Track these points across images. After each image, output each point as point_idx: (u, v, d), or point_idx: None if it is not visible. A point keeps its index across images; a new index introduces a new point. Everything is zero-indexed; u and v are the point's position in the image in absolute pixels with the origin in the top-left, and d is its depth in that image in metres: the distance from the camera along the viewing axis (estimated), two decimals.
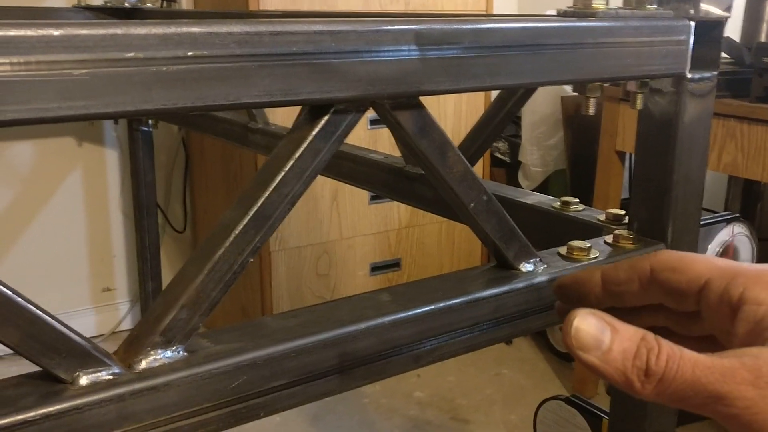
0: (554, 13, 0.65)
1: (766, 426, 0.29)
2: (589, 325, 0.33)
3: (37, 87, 0.38)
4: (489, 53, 0.53)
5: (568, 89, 2.07)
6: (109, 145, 2.04)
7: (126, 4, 1.80)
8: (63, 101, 0.38)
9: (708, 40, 0.66)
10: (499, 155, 2.33)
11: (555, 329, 2.02)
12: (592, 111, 0.65)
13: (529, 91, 0.84)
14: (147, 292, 1.97)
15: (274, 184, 0.49)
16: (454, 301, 0.57)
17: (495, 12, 2.29)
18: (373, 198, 2.07)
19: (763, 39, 1.66)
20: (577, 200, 0.82)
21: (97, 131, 2.01)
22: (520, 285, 0.60)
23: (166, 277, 2.08)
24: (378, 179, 1.07)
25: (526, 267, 0.63)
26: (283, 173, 0.49)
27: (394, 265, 2.16)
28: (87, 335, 0.45)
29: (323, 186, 1.98)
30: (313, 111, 0.50)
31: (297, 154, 0.49)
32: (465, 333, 0.58)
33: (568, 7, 0.62)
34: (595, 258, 0.66)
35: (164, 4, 1.94)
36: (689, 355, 0.31)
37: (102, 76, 0.39)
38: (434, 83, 0.51)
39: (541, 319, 0.63)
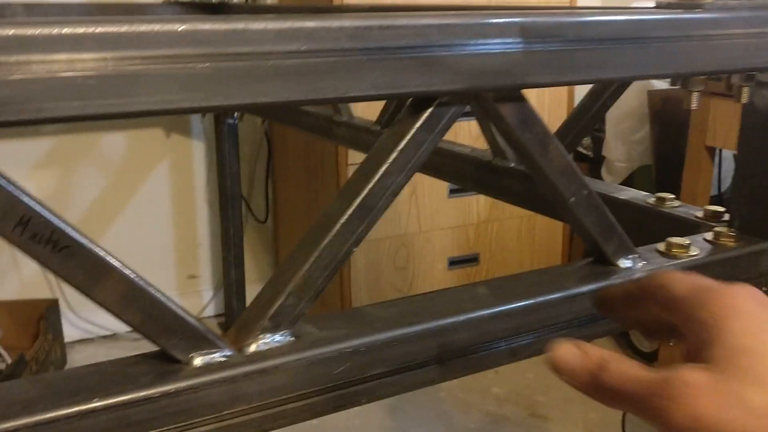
0: (653, 4, 0.64)
1: None
2: (564, 353, 0.38)
3: (163, 80, 0.39)
4: (593, 46, 0.53)
5: (655, 83, 2.02)
6: (196, 137, 2.09)
7: (213, 0, 1.84)
8: (186, 93, 0.40)
9: None
10: (582, 150, 2.29)
11: None
12: (694, 105, 0.64)
13: (624, 84, 0.83)
14: (230, 280, 2.02)
15: (377, 177, 0.50)
16: (552, 296, 0.57)
17: (579, 5, 2.25)
18: (452, 191, 2.07)
19: None
20: (673, 196, 0.81)
21: (184, 123, 2.07)
22: (619, 281, 0.60)
23: (248, 266, 2.13)
24: (464, 172, 1.07)
25: (625, 263, 0.62)
26: (386, 165, 0.50)
27: (472, 259, 2.16)
28: None
29: None
30: (416, 104, 0.51)
31: (400, 147, 0.50)
32: (562, 328, 0.58)
33: None
34: (695, 255, 0.65)
35: None
36: (633, 372, 0.35)
37: (222, 69, 0.41)
38: (537, 76, 0.51)
39: None
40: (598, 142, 2.22)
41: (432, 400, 1.87)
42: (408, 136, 0.50)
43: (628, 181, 2.13)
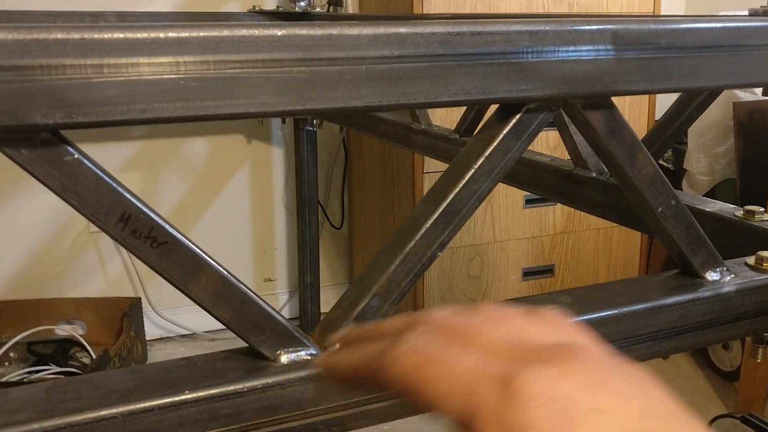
0: (742, 12, 0.62)
1: None
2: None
3: (261, 83, 0.41)
4: (686, 54, 0.52)
5: (741, 94, 1.96)
6: (275, 144, 2.13)
7: (296, 9, 1.88)
8: (282, 96, 0.41)
9: None
10: (662, 162, 2.24)
11: (717, 346, 1.92)
12: None
13: (713, 93, 0.81)
14: (305, 284, 2.05)
15: (463, 181, 0.50)
16: (637, 307, 0.56)
17: (662, 13, 2.20)
18: (528, 202, 2.05)
19: None
20: (762, 209, 0.78)
21: (265, 130, 2.11)
22: (707, 294, 0.58)
23: (323, 271, 2.15)
24: (544, 182, 1.06)
25: (712, 276, 0.60)
26: (473, 170, 0.50)
27: (547, 271, 2.13)
28: None
29: None
30: (504, 110, 0.51)
31: (487, 153, 0.50)
32: (646, 339, 0.57)
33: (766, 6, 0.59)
34: None
35: (330, 8, 2.01)
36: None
37: (317, 73, 0.42)
38: (629, 83, 0.51)
39: (726, 330, 0.60)
40: (679, 155, 2.16)
41: None
42: (495, 142, 0.50)
43: (710, 195, 2.07)
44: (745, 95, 1.96)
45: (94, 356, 1.76)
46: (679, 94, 0.86)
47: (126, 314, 1.88)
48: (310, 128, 1.94)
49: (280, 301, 2.23)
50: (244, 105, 0.40)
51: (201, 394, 0.43)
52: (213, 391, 0.44)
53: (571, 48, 0.48)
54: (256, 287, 2.20)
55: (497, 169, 0.51)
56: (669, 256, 2.30)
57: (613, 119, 0.53)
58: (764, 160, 1.80)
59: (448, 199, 0.50)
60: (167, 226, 0.42)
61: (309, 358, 0.47)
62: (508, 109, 0.50)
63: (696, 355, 2.08)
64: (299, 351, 0.47)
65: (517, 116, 0.50)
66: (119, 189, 0.41)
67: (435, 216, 0.50)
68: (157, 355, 2.03)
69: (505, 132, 0.50)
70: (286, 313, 2.25)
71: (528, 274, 2.12)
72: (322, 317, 2.09)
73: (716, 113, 1.99)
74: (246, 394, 0.45)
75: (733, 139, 2.00)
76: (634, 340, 0.57)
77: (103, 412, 0.41)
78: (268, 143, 2.14)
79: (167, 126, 2.01)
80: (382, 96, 0.44)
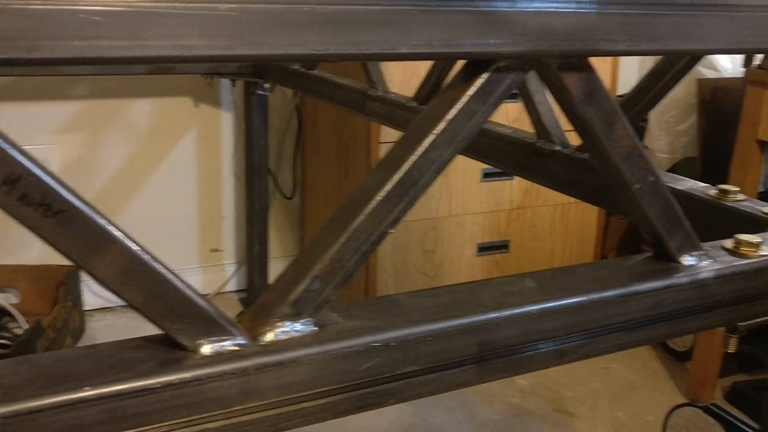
0: None
1: None
2: None
3: (181, 21, 0.33)
4: (676, 12, 0.46)
5: (705, 71, 1.93)
6: (225, 107, 2.04)
7: None
8: (208, 39, 0.34)
9: None
10: None
11: None
12: None
13: (692, 61, 0.76)
14: (253, 255, 1.97)
15: (421, 148, 0.44)
16: (609, 293, 0.50)
17: None
18: (485, 176, 2.00)
19: None
20: (737, 189, 0.74)
21: (214, 92, 2.01)
22: (684, 280, 0.53)
23: (273, 242, 2.08)
24: (505, 154, 1.00)
25: (688, 260, 0.55)
26: (432, 136, 0.44)
27: (502, 246, 2.09)
28: None
29: None
30: (469, 69, 0.44)
31: (449, 116, 0.44)
32: (618, 329, 0.51)
33: None
34: (766, 255, 0.58)
35: None
36: None
37: (251, 12, 0.35)
38: (611, 42, 0.45)
39: (702, 320, 0.55)
40: (640, 132, 2.13)
41: None
42: (459, 105, 0.44)
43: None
44: (708, 72, 1.93)
45: (26, 327, 1.67)
46: (657, 62, 0.81)
47: (62, 283, 1.78)
48: (262, 92, 1.85)
49: (227, 273, 2.16)
50: (160, 47, 0.33)
51: (104, 390, 0.37)
52: (119, 387, 0.37)
53: None
54: (201, 258, 2.12)
55: (459, 136, 0.44)
56: (625, 235, 2.26)
57: (591, 83, 0.47)
58: (726, 139, 1.77)
59: (404, 169, 0.43)
60: (64, 192, 0.35)
61: (236, 348, 0.40)
62: (474, 67, 0.44)
63: None
64: (224, 340, 0.40)
65: (485, 75, 0.43)
66: (4, 145, 0.34)
67: (388, 188, 0.43)
68: (96, 326, 1.94)
69: (470, 93, 0.44)
70: (233, 285, 2.17)
71: (483, 249, 2.08)
72: None
73: (679, 90, 1.96)
74: (159, 391, 0.38)
75: (695, 117, 1.97)
76: (603, 330, 0.51)
77: None
78: (217, 107, 2.04)
79: (109, 85, 1.90)
80: (329, 43, 0.37)
